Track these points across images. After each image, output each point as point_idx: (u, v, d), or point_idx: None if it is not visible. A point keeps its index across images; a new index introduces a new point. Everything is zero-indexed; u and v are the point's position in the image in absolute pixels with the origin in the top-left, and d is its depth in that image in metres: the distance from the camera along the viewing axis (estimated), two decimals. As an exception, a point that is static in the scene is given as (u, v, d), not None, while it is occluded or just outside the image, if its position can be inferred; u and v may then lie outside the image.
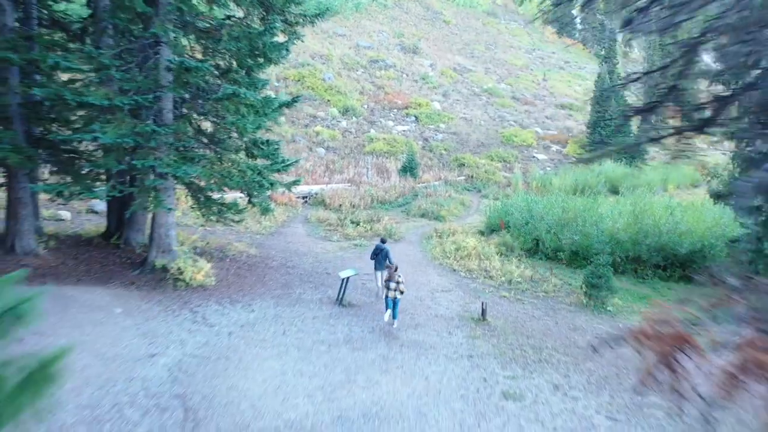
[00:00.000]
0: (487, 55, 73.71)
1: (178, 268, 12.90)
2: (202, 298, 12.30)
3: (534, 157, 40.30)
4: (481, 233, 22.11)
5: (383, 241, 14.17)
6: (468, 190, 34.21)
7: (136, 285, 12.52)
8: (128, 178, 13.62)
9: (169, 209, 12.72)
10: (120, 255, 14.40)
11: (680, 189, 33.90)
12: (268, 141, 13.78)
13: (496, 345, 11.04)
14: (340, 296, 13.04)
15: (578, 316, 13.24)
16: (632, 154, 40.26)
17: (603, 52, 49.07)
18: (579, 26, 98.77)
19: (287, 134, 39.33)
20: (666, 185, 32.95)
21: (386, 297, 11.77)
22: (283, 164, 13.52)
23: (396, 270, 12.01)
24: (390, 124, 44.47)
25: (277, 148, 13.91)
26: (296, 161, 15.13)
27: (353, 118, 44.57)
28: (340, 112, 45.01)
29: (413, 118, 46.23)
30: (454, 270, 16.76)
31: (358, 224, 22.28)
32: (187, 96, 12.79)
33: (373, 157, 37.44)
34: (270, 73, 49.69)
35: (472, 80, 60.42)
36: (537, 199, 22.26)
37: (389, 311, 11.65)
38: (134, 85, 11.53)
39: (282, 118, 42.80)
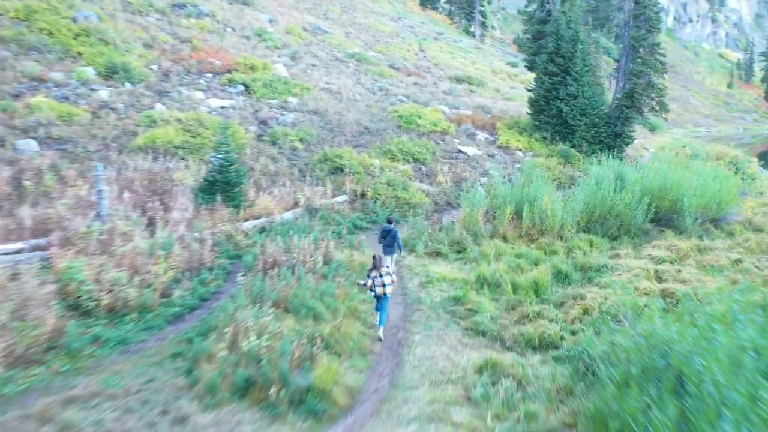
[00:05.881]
0: (345, 18, 56.01)
1: None
2: None
3: (460, 152, 23.26)
4: None
5: (390, 222, 12.32)
6: (359, 228, 15.78)
7: None
8: None
9: None
10: None
11: None
12: None
13: None
14: None
15: None
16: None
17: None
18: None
19: (-51, 111, 17.48)
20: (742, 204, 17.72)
21: (378, 296, 9.32)
22: None
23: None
24: (198, 96, 24.45)
25: None
26: None
27: (126, 84, 23.68)
28: (99, 74, 23.80)
29: (241, 88, 26.61)
30: None
31: None
32: None
33: (149, 158, 17.31)
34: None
35: (330, 43, 42.20)
36: None
37: (382, 327, 9.42)
38: None
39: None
